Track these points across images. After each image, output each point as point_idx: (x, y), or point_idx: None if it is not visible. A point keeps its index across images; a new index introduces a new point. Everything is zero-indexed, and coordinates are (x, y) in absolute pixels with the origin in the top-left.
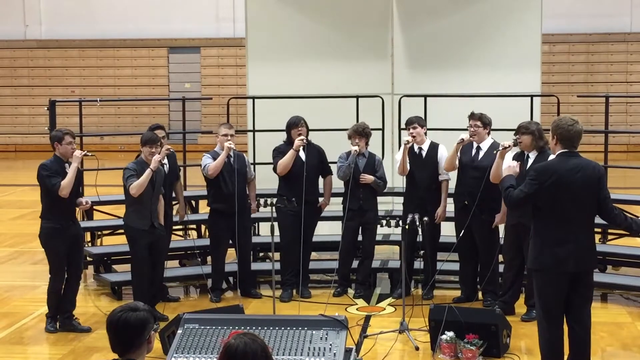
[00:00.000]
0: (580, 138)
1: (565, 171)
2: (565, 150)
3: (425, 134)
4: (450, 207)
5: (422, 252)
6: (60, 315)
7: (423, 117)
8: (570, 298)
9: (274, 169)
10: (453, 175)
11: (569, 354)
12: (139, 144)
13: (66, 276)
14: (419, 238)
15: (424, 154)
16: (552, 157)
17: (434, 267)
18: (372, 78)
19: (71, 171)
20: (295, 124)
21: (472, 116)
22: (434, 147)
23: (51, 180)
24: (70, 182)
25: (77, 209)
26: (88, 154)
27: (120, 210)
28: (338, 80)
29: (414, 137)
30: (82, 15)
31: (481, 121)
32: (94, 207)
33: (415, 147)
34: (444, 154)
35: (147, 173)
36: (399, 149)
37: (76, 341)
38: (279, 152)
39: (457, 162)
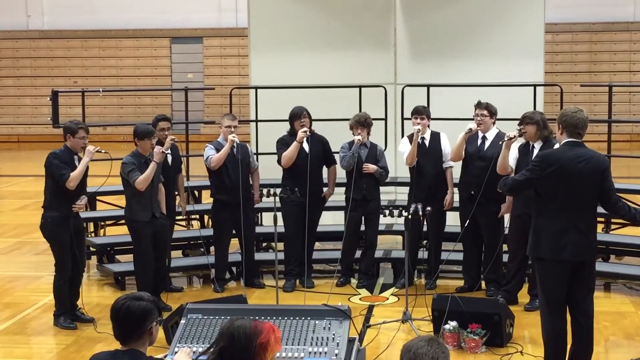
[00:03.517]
0: (585, 126)
1: (567, 160)
2: (571, 139)
3: (428, 125)
4: (455, 196)
5: (425, 242)
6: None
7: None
8: (572, 288)
9: (279, 161)
10: (457, 164)
11: (572, 343)
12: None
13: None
14: (425, 228)
15: (427, 143)
16: (556, 146)
17: (438, 257)
18: (374, 68)
19: (81, 165)
20: (298, 115)
21: (478, 105)
22: (435, 135)
23: (60, 170)
24: (79, 175)
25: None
26: (101, 150)
27: (124, 200)
28: (341, 70)
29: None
30: (84, 6)
31: (488, 110)
32: (97, 198)
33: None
34: (446, 142)
35: (152, 167)
36: (402, 139)
37: (79, 331)
38: (282, 144)
39: (463, 152)
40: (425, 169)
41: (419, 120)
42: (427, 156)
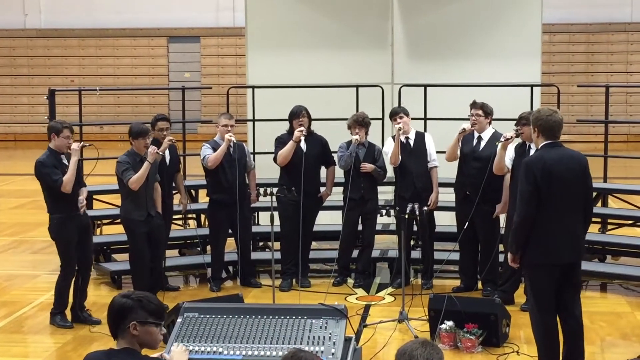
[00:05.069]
0: (560, 127)
1: (550, 162)
2: (548, 141)
3: (425, 126)
4: (449, 196)
5: (419, 241)
6: (73, 307)
7: (423, 107)
8: (561, 289)
9: (275, 159)
10: (444, 163)
11: (563, 345)
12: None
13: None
14: (415, 228)
15: (412, 142)
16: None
17: (432, 257)
18: (372, 67)
19: (72, 166)
20: (296, 114)
21: (473, 105)
22: (420, 135)
23: (52, 177)
24: (72, 177)
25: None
26: (86, 144)
27: (120, 199)
28: (338, 70)
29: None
30: (81, 5)
31: (483, 110)
32: (94, 197)
33: (402, 137)
34: (431, 142)
35: (145, 167)
36: (385, 141)
37: (76, 330)
38: (280, 142)
39: (458, 152)
40: (410, 168)
41: (398, 121)
42: (412, 156)
